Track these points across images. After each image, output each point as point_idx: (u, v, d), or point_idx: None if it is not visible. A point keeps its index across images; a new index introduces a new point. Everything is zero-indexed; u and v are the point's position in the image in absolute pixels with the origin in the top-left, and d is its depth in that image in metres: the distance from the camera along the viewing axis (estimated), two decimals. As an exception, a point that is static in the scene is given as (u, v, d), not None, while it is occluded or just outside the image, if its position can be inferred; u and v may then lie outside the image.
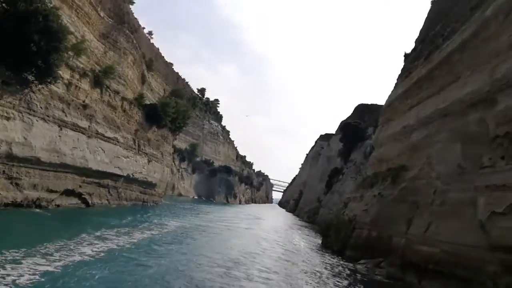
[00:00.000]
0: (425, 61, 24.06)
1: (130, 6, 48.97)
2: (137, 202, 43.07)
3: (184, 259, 17.79)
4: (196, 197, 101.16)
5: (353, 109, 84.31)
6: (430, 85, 22.01)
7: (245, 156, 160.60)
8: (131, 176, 40.88)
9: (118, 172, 37.87)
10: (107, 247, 17.35)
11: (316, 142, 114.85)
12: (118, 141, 38.25)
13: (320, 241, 33.39)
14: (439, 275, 15.07)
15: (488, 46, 15.66)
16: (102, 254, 15.83)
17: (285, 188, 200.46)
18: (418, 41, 29.21)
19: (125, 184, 40.57)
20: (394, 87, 31.46)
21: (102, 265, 13.88)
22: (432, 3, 29.07)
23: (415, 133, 21.99)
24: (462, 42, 18.47)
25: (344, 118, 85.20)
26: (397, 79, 31.47)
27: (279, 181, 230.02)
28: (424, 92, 22.71)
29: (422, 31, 29.27)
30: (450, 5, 22.84)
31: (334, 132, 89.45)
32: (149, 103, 48.38)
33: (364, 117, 72.15)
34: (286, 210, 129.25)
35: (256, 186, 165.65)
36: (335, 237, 29.39)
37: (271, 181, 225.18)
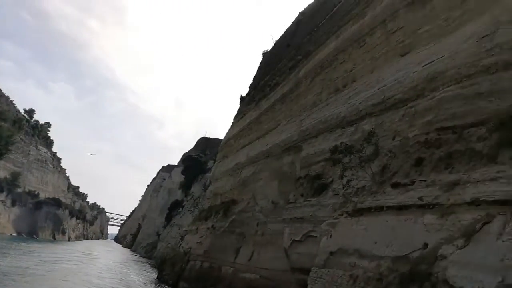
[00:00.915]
0: (256, 106, 27.32)
1: None
2: None
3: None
4: (15, 234, 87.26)
5: (195, 142, 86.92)
6: (259, 128, 25.07)
7: (78, 187, 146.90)
8: None
9: None
10: None
11: (158, 173, 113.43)
12: None
13: (156, 276, 33.05)
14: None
15: (299, 101, 19.08)
16: None
17: (123, 222, 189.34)
18: (251, 87, 32.91)
19: None
20: (231, 126, 34.45)
21: None
22: (263, 55, 33.38)
23: (245, 170, 24.54)
24: (283, 94, 21.91)
25: (187, 150, 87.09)
26: (234, 119, 34.59)
27: (117, 214, 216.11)
28: (254, 134, 25.68)
29: (255, 78, 33.12)
30: (276, 61, 26.78)
31: (176, 164, 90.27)
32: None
33: (205, 150, 75.14)
34: (123, 246, 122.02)
35: (89, 220, 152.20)
36: (170, 270, 29.69)
37: (107, 214, 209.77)
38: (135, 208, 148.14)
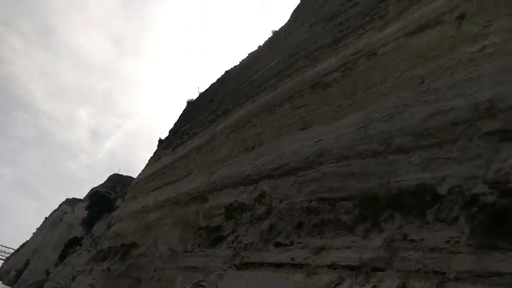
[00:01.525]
0: (173, 151, 27.82)
1: None
2: None
3: None
4: None
5: (107, 178, 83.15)
6: (172, 174, 25.44)
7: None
8: None
9: None
10: None
11: (60, 205, 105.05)
12: None
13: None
14: None
15: (213, 154, 20.12)
16: None
17: (9, 255, 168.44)
18: (171, 132, 33.48)
19: None
20: (145, 167, 34.22)
21: None
22: (188, 103, 34.47)
23: (151, 214, 24.43)
24: (199, 144, 22.84)
25: (97, 185, 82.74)
26: (149, 160, 34.50)
27: (4, 246, 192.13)
28: (166, 179, 25.93)
29: (176, 124, 33.83)
30: (198, 111, 27.94)
31: (82, 198, 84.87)
32: None
33: (116, 187, 72.07)
34: (3, 283, 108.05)
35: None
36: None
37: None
38: (27, 241, 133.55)
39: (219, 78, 29.43)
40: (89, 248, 47.34)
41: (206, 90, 30.64)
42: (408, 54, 11.21)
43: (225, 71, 28.90)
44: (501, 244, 6.38)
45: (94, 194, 68.37)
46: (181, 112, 34.60)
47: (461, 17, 10.13)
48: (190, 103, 33.16)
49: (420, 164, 8.70)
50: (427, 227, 7.77)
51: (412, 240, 7.84)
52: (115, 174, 78.95)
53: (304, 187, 11.48)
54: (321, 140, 11.89)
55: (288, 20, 24.10)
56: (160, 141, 34.75)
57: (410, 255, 7.63)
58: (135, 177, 50.97)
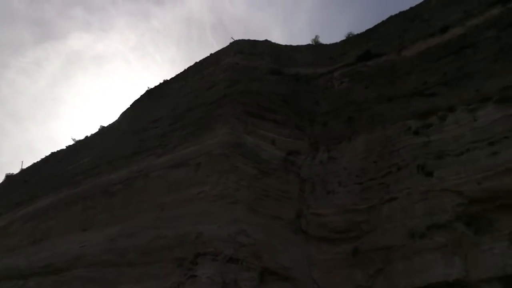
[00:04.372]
0: None
1: None
2: None
3: None
4: None
5: None
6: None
7: None
8: None
9: None
10: None
11: None
12: None
13: None
14: None
15: (6, 240, 20.00)
16: None
17: None
18: None
19: None
20: None
21: None
22: (7, 177, 32.87)
23: None
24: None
25: None
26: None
27: None
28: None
29: None
30: (10, 192, 27.17)
31: None
32: None
33: None
34: None
35: None
36: None
37: None
38: None
39: (43, 158, 29.54)
40: None
41: (28, 167, 30.16)
42: (166, 183, 14.38)
43: (51, 153, 29.28)
44: None
45: None
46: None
47: (199, 164, 13.85)
48: (9, 177, 31.85)
49: (138, 277, 11.24)
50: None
51: None
52: None
53: (59, 286, 12.94)
54: (85, 245, 13.79)
55: (116, 120, 26.63)
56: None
57: None
58: None
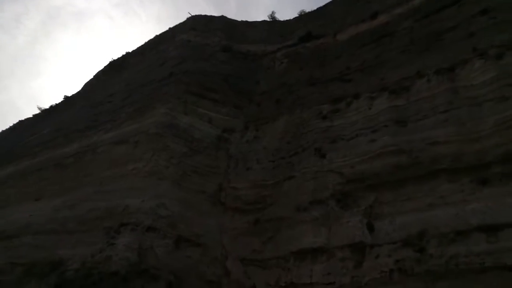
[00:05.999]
0: None
1: None
2: None
3: None
4: None
5: None
6: None
7: None
8: None
9: None
10: None
11: None
12: None
13: None
14: None
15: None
16: None
17: None
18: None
19: None
20: None
21: None
22: None
23: None
24: None
25: None
26: None
27: None
28: None
29: None
30: None
31: None
32: None
33: None
34: None
35: None
36: None
37: None
38: None
39: (11, 126, 30.29)
40: None
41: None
42: (109, 159, 15.56)
43: (19, 121, 30.02)
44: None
45: None
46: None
47: (137, 142, 15.05)
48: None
49: (74, 244, 12.66)
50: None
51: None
52: None
53: (6, 252, 14.31)
54: (34, 214, 15.09)
55: (78, 91, 27.33)
56: None
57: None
58: None
